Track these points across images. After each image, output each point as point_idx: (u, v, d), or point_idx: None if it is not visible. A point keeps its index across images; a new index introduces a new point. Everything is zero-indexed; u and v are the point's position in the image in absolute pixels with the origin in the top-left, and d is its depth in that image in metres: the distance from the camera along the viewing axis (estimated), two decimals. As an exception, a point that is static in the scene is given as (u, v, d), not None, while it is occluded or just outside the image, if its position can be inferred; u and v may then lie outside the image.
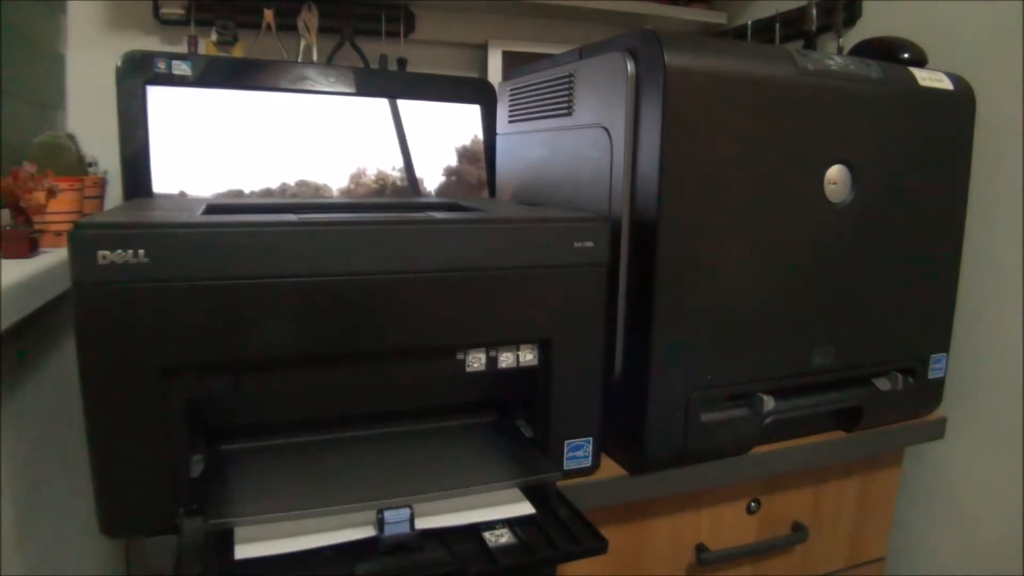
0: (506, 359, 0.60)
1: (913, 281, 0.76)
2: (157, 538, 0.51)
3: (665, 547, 0.75)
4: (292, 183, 0.94)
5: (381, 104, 1.01)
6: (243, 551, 0.48)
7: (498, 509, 0.55)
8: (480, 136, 1.06)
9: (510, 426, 0.67)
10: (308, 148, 0.95)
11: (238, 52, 1.04)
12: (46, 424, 0.67)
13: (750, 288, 0.66)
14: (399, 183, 1.01)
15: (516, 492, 0.57)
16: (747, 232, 0.65)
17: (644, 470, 0.67)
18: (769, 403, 0.68)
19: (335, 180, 0.97)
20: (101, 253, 0.45)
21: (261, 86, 0.93)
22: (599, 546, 0.52)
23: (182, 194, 0.88)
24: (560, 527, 0.54)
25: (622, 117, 0.63)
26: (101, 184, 0.87)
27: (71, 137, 0.84)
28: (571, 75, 0.72)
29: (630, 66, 0.62)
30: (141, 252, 0.46)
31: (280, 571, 0.47)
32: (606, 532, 0.53)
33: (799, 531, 0.81)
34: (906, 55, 0.79)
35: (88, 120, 1.00)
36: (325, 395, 0.62)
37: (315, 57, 1.08)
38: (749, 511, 0.79)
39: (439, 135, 1.04)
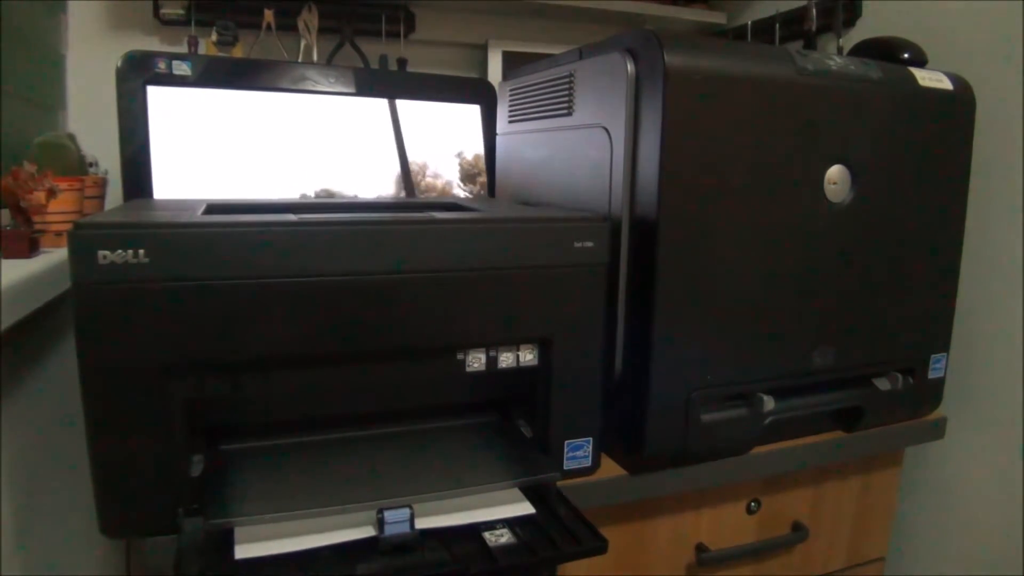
0: (506, 359, 0.60)
1: (913, 281, 0.76)
2: (157, 538, 0.51)
3: (665, 547, 0.75)
4: (312, 193, 0.95)
5: (381, 104, 1.01)
6: (243, 551, 0.47)
7: (498, 509, 0.55)
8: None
9: (510, 426, 0.67)
10: (308, 148, 0.95)
11: (238, 52, 1.04)
12: (46, 424, 0.67)
13: (750, 288, 0.66)
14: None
15: (516, 492, 0.57)
16: (747, 232, 0.65)
17: (644, 470, 0.67)
18: (769, 403, 0.68)
19: (338, 181, 0.97)
20: (101, 253, 0.45)
21: (261, 86, 0.93)
22: (599, 546, 0.52)
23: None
24: (560, 527, 0.54)
25: (622, 117, 0.63)
26: (101, 184, 0.87)
27: (71, 137, 0.84)
28: (571, 75, 0.72)
29: (630, 66, 0.62)
30: (141, 252, 0.46)
31: (280, 571, 0.47)
32: (606, 532, 0.53)
33: (799, 531, 0.81)
34: (906, 55, 0.79)
35: (88, 120, 1.00)
36: (325, 395, 0.62)
37: (315, 57, 1.08)
38: (749, 511, 0.79)
39: (439, 135, 1.04)
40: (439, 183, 1.04)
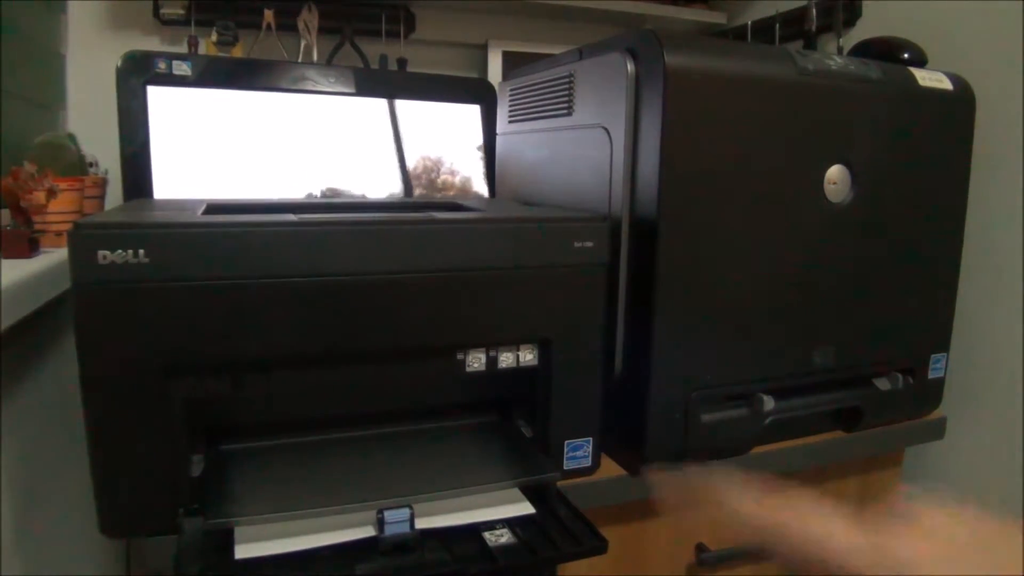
0: (506, 359, 0.60)
1: (913, 281, 0.76)
2: (157, 538, 0.51)
3: (665, 547, 0.75)
4: (318, 192, 0.95)
5: (382, 104, 1.01)
6: (243, 551, 0.47)
7: (498, 509, 0.55)
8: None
9: (510, 426, 0.67)
10: (308, 148, 0.95)
11: (238, 52, 1.04)
12: (46, 424, 0.67)
13: (750, 288, 0.66)
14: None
15: (516, 492, 0.57)
16: (747, 232, 0.65)
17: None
18: (769, 403, 0.68)
19: (338, 181, 0.97)
20: (101, 253, 0.45)
21: (261, 86, 0.93)
22: (599, 546, 0.52)
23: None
24: (560, 527, 0.54)
25: (622, 117, 0.63)
26: (101, 184, 0.87)
27: (71, 137, 0.84)
28: (571, 75, 0.72)
29: (630, 66, 0.62)
30: (141, 252, 0.46)
31: (280, 571, 0.47)
32: (606, 532, 0.53)
33: (799, 531, 0.81)
34: (906, 55, 0.79)
35: (88, 120, 1.00)
36: (325, 395, 0.62)
37: (315, 57, 1.08)
38: (749, 511, 0.78)
39: (455, 131, 1.04)
40: (457, 180, 1.03)
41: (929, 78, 0.73)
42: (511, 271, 0.57)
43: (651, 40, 0.60)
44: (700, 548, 0.76)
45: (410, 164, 1.01)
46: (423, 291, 0.54)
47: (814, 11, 1.01)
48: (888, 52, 0.79)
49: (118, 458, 0.49)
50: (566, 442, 0.62)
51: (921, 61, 0.80)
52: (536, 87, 0.80)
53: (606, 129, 0.65)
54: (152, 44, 1.06)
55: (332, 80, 0.97)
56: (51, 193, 0.68)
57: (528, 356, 0.60)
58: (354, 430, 0.63)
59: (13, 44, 0.82)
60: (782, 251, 0.67)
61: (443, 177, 1.02)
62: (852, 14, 1.02)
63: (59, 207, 0.70)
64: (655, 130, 0.60)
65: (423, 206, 0.74)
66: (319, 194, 0.95)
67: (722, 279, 0.64)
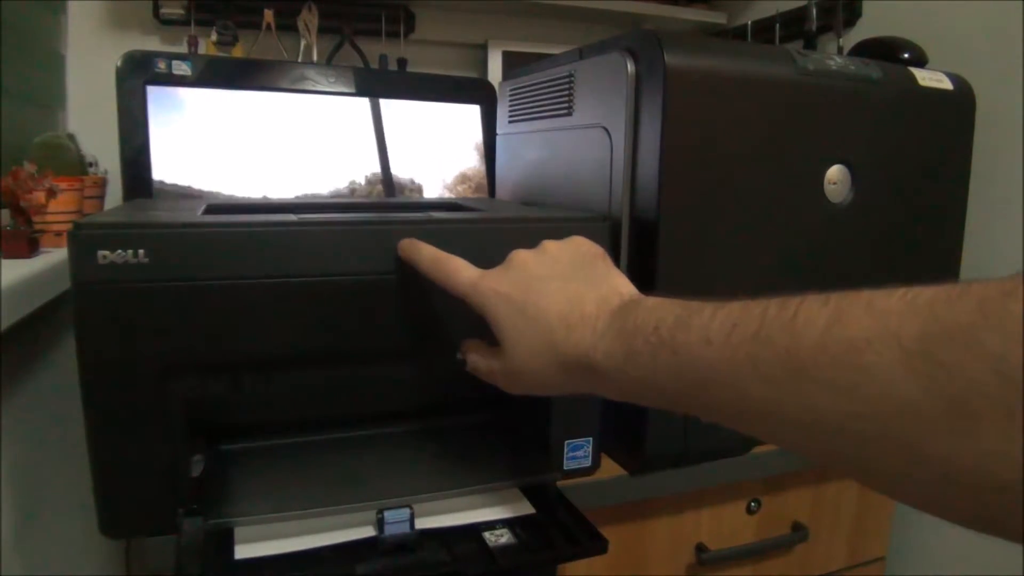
0: (506, 359, 0.59)
1: (913, 281, 0.75)
2: (157, 538, 0.51)
3: (665, 547, 0.75)
4: (362, 180, 0.95)
5: (381, 104, 1.00)
6: (243, 551, 0.48)
7: (498, 509, 0.55)
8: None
9: (510, 426, 0.67)
10: (307, 148, 0.95)
11: (238, 52, 1.04)
12: (46, 424, 0.67)
13: (750, 288, 0.66)
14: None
15: (516, 492, 0.57)
16: (747, 232, 0.65)
17: (644, 470, 0.67)
18: (769, 403, 0.68)
19: (334, 179, 0.97)
20: (101, 253, 0.45)
21: (261, 86, 0.93)
22: (599, 546, 0.52)
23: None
24: (560, 527, 0.54)
25: (622, 117, 0.63)
26: (101, 184, 0.87)
27: (71, 137, 0.84)
28: (571, 75, 0.72)
29: (630, 66, 0.62)
30: (141, 252, 0.46)
31: (280, 571, 0.47)
32: (606, 532, 0.53)
33: (799, 531, 0.81)
34: (906, 55, 0.79)
35: (88, 120, 1.00)
36: (325, 395, 0.62)
37: (315, 57, 1.08)
38: (749, 511, 0.79)
39: (438, 135, 1.04)
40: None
41: (929, 78, 0.73)
42: (511, 271, 0.57)
43: (651, 40, 0.60)
44: (700, 548, 0.76)
45: (399, 166, 1.00)
46: (423, 291, 0.54)
47: (814, 11, 1.01)
48: (888, 52, 0.79)
49: (118, 458, 0.49)
50: (566, 442, 0.62)
51: (921, 61, 0.80)
52: (536, 87, 0.80)
53: (606, 129, 0.65)
54: (152, 44, 1.06)
55: (332, 80, 0.97)
56: (51, 193, 0.68)
57: (528, 356, 0.60)
58: (354, 430, 0.63)
59: (13, 44, 0.82)
60: (782, 251, 0.67)
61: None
62: (852, 14, 1.02)
63: (59, 207, 0.70)
64: (655, 130, 0.60)
65: (423, 206, 0.74)
66: (363, 182, 0.95)
67: (722, 279, 0.64)
